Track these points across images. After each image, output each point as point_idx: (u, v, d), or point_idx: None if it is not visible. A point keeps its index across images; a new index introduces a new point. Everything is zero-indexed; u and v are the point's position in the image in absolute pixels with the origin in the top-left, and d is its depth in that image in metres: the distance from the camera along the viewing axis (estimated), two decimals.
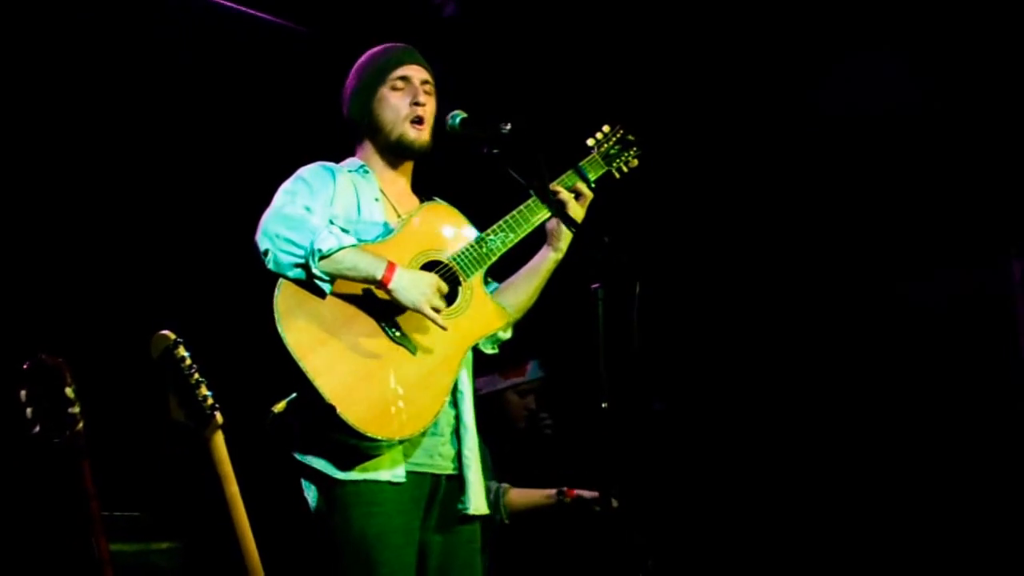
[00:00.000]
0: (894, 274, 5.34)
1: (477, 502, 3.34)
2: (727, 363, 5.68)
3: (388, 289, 3.12)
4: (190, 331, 2.89)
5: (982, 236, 5.11)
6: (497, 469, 4.68)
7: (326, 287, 3.12)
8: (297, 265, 3.09)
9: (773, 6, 5.28)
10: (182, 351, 2.76)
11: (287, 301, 3.08)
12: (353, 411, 3.04)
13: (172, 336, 2.77)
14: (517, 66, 5.45)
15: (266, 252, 3.12)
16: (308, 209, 3.20)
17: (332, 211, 3.28)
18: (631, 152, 3.68)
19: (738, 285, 5.66)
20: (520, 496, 4.55)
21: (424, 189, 3.56)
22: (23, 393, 2.47)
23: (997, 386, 5.05)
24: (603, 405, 3.21)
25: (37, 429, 2.47)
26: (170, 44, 4.71)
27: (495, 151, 3.33)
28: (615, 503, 4.21)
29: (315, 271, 3.08)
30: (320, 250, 3.07)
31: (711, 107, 5.58)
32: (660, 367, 5.16)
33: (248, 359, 3.54)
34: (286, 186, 3.29)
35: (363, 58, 3.54)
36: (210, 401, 2.74)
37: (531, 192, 3.41)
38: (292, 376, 3.05)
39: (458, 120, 3.38)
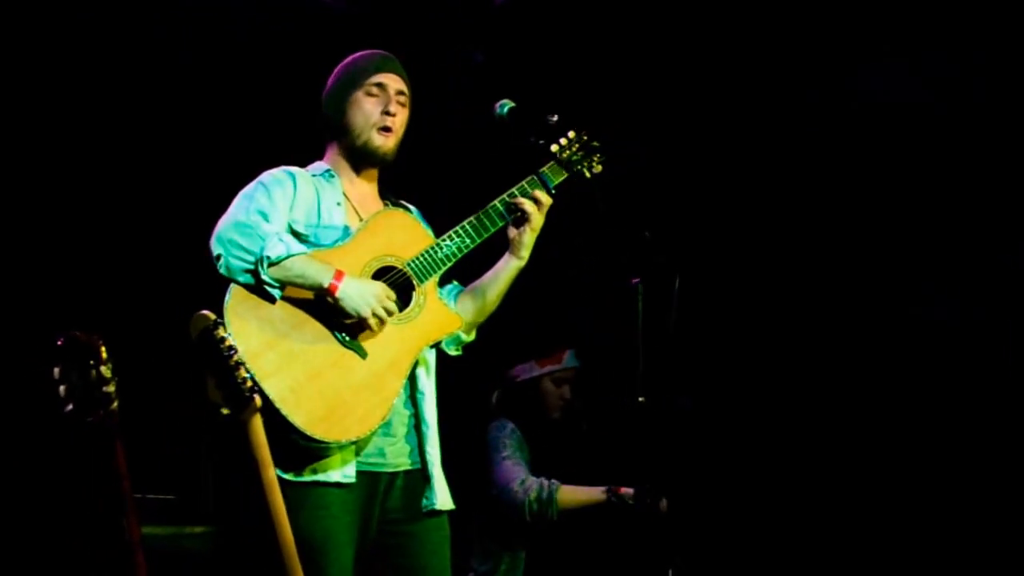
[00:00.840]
0: (919, 275, 5.33)
1: (443, 498, 3.40)
2: (756, 363, 5.65)
3: (335, 297, 3.17)
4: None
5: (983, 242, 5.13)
6: (534, 461, 4.70)
7: (275, 293, 3.17)
8: (247, 271, 3.15)
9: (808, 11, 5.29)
10: (222, 332, 2.72)
11: (237, 306, 3.14)
12: (300, 414, 3.09)
13: (212, 316, 2.73)
14: (565, 58, 5.41)
15: (218, 257, 3.18)
16: (264, 215, 3.25)
17: (292, 216, 3.33)
18: (595, 158, 3.63)
19: (771, 286, 5.64)
20: (570, 493, 4.54)
21: (398, 194, 3.59)
22: (56, 370, 2.41)
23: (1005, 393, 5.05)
24: (640, 399, 3.28)
25: (70, 408, 2.41)
26: (212, 24, 4.72)
27: (541, 141, 3.43)
28: (664, 504, 4.21)
29: (264, 277, 3.14)
30: (269, 257, 3.13)
31: (748, 113, 5.58)
32: (693, 364, 5.13)
33: None
34: (245, 191, 3.34)
35: (344, 61, 3.57)
36: (249, 384, 2.69)
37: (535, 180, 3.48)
38: None
39: (507, 109, 3.49)
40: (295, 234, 3.30)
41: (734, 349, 5.65)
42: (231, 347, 2.69)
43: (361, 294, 3.19)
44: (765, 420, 5.55)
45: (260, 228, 3.18)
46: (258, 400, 2.71)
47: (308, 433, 3.08)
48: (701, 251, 5.31)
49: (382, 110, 3.44)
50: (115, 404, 2.43)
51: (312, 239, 3.34)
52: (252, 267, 3.14)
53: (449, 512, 3.44)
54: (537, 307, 3.81)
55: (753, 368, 5.62)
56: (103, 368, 2.42)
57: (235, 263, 3.15)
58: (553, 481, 4.53)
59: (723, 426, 5.52)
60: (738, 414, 5.57)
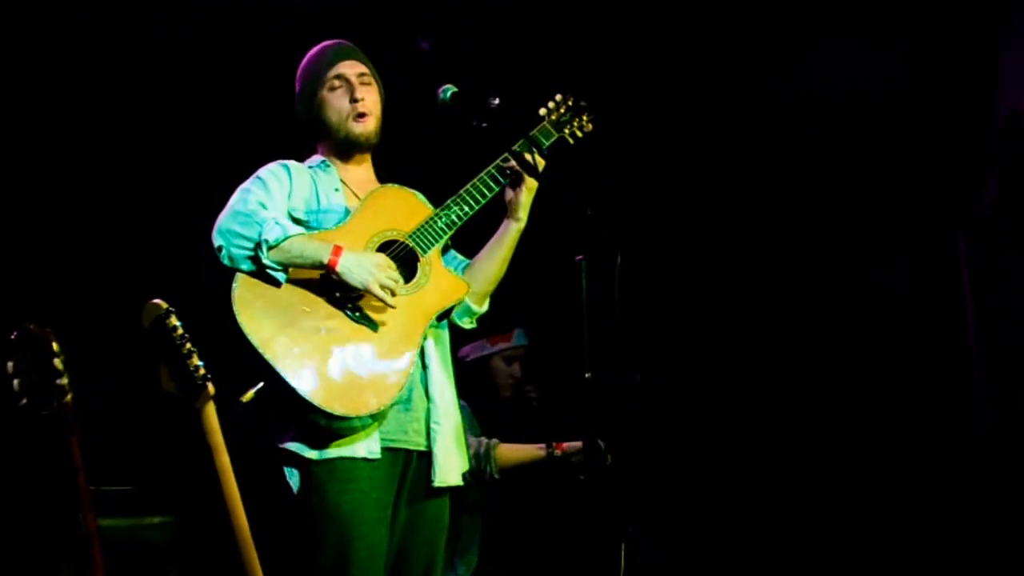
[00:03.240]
0: (852, 255, 5.43)
1: (443, 474, 3.39)
2: (705, 336, 5.71)
3: (336, 272, 3.20)
4: (182, 300, 2.85)
5: (929, 215, 5.22)
6: (485, 432, 4.71)
7: (280, 276, 3.21)
8: (248, 258, 3.20)
9: None
10: (174, 320, 2.71)
11: (244, 293, 3.18)
12: (319, 392, 3.13)
13: (164, 305, 2.72)
14: (507, 38, 5.47)
15: (220, 248, 3.22)
16: (262, 205, 3.29)
17: (291, 204, 3.38)
18: (584, 118, 3.72)
19: (718, 260, 5.71)
20: (509, 451, 4.56)
21: (394, 173, 3.62)
22: (9, 364, 2.42)
23: (947, 365, 5.17)
24: (586, 376, 3.27)
25: (24, 401, 2.42)
26: (168, 24, 4.72)
27: (484, 124, 3.42)
28: (609, 456, 4.25)
29: (265, 261, 3.18)
30: (267, 240, 3.17)
31: (692, 86, 5.63)
32: (640, 339, 5.16)
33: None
34: (244, 185, 3.38)
35: (301, 65, 3.60)
36: (202, 371, 2.70)
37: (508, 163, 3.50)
38: (256, 365, 3.11)
39: (449, 94, 3.48)
40: (297, 221, 3.34)
41: (682, 323, 5.71)
42: (183, 335, 2.69)
43: (361, 265, 3.21)
44: (717, 392, 5.62)
45: (257, 215, 3.22)
46: (211, 387, 2.72)
47: (328, 410, 3.12)
48: (645, 226, 5.35)
49: (350, 99, 3.48)
50: (69, 396, 2.45)
51: (314, 224, 3.38)
52: (252, 253, 3.18)
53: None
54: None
55: (704, 341, 5.68)
56: (56, 361, 2.44)
57: (236, 252, 3.19)
58: (492, 440, 4.56)
59: (674, 399, 5.55)
60: (689, 387, 5.62)
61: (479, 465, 4.50)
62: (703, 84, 5.57)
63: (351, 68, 3.53)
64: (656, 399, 5.31)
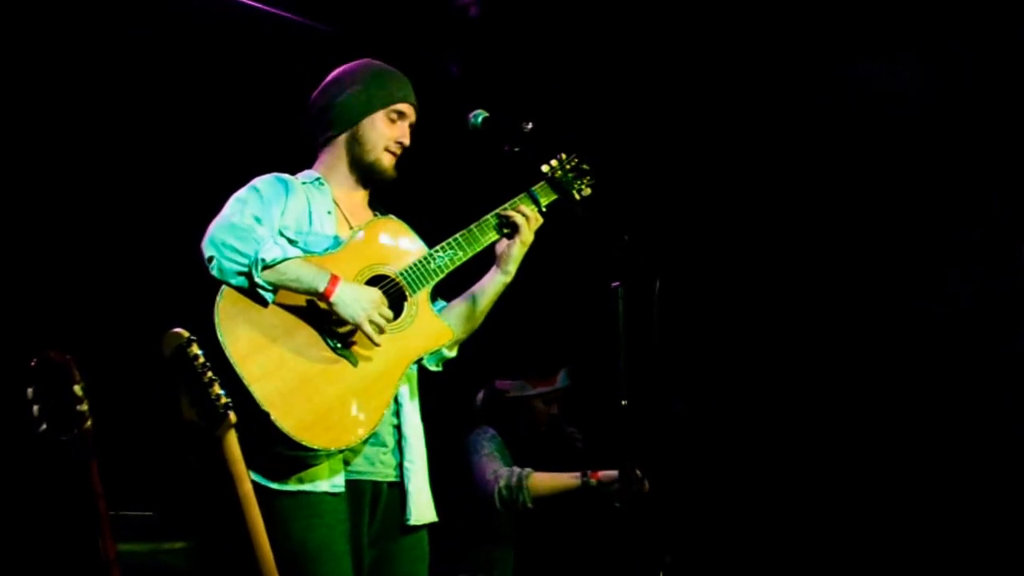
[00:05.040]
0: (908, 272, 5.37)
1: (419, 512, 3.35)
2: (746, 362, 5.69)
3: (329, 302, 3.15)
4: (203, 329, 2.87)
5: (993, 230, 5.16)
6: (517, 460, 4.69)
7: (268, 296, 3.16)
8: (240, 273, 3.13)
9: (787, 10, 5.32)
10: (195, 349, 2.73)
11: (228, 308, 3.12)
12: (288, 419, 3.05)
13: (185, 334, 2.74)
14: (538, 66, 5.47)
15: (211, 259, 3.16)
16: (257, 219, 3.23)
17: (283, 222, 3.31)
18: (585, 180, 3.69)
19: (755, 285, 5.69)
20: (543, 480, 4.54)
21: (386, 205, 3.59)
22: (30, 391, 2.43)
23: (1012, 381, 5.06)
24: (623, 403, 3.26)
25: (44, 427, 2.43)
26: (190, 43, 4.71)
27: (516, 149, 3.44)
28: (645, 484, 4.22)
29: (257, 280, 3.12)
30: (264, 260, 3.11)
31: (728, 110, 5.63)
32: (680, 366, 5.13)
33: None
34: (238, 195, 3.32)
35: (365, 68, 3.55)
36: (223, 400, 2.71)
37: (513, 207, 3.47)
38: (229, 381, 3.01)
39: (480, 119, 3.50)
40: (285, 240, 3.28)
41: (720, 349, 5.69)
42: (205, 364, 2.69)
43: (357, 300, 3.16)
44: (754, 418, 5.59)
45: (255, 231, 3.16)
46: (232, 416, 2.72)
47: (296, 439, 3.04)
48: (682, 252, 5.34)
49: (398, 138, 3.48)
50: (89, 422, 2.45)
51: (302, 246, 3.31)
52: (246, 269, 3.11)
53: (432, 525, 3.41)
54: (525, 319, 3.82)
55: (741, 367, 5.66)
56: (76, 387, 2.45)
57: (228, 265, 3.12)
58: (525, 469, 4.53)
59: (713, 426, 5.55)
60: (727, 414, 5.60)
61: (511, 495, 4.48)
62: (745, 105, 5.57)
63: (411, 114, 3.52)
64: (698, 425, 5.30)
